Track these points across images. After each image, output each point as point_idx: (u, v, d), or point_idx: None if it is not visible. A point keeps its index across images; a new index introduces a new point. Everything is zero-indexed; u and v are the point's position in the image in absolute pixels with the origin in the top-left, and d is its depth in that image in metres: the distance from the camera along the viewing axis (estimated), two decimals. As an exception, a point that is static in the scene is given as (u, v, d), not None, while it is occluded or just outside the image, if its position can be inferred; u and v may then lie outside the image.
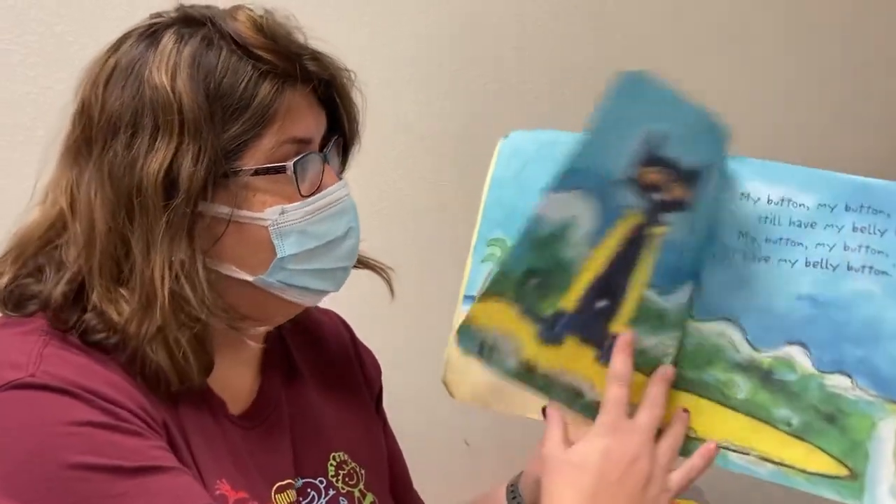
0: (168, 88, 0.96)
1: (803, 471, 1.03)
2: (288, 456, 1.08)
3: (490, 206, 1.13)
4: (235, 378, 1.08)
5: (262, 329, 1.08)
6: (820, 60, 2.11)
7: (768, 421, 1.04)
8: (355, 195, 1.07)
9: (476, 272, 1.12)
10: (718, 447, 1.04)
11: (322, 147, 1.05)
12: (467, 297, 1.12)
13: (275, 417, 1.09)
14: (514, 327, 1.02)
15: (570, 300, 1.03)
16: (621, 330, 1.03)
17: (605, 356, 1.04)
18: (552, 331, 1.03)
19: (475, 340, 1.02)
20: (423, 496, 1.30)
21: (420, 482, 1.29)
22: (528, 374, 1.04)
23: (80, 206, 0.99)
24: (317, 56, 1.03)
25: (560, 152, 1.01)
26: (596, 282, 1.03)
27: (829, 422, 1.02)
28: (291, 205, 1.01)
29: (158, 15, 1.03)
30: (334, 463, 1.11)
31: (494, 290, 1.02)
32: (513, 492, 1.16)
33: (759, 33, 2.07)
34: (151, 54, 0.99)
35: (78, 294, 0.98)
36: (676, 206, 1.02)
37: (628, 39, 1.97)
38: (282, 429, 1.09)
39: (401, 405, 1.25)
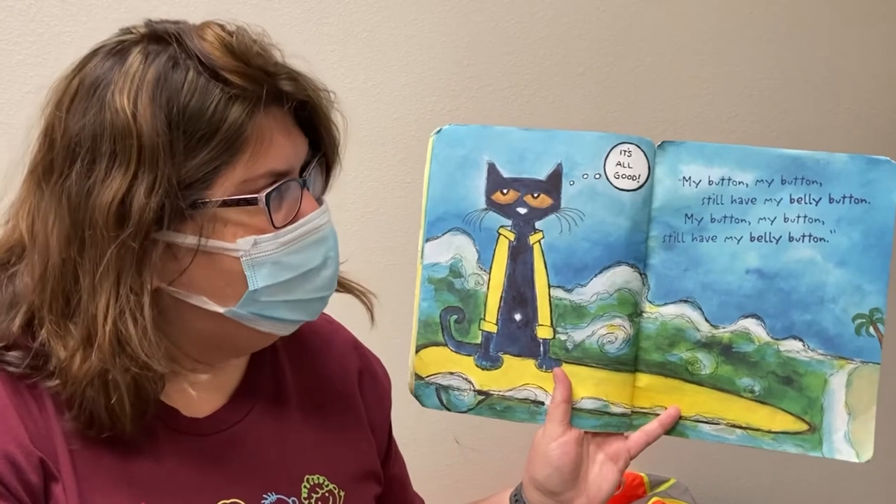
0: (129, 113, 0.91)
1: (769, 431, 1.11)
2: (241, 474, 1.03)
3: (431, 206, 1.13)
4: (201, 392, 1.04)
5: (203, 375, 1.04)
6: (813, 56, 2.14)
7: (733, 391, 1.11)
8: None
9: (426, 290, 1.15)
10: (679, 415, 1.12)
11: (303, 170, 1.00)
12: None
13: (230, 434, 1.04)
14: (455, 365, 1.14)
15: (490, 322, 1.13)
16: (547, 333, 1.12)
17: (543, 362, 1.13)
18: (488, 355, 1.14)
19: (431, 390, 1.15)
20: (413, 495, 1.32)
21: (411, 481, 1.30)
22: (487, 402, 1.14)
23: (38, 234, 0.95)
24: (294, 76, 0.97)
25: (495, 143, 1.12)
26: (505, 298, 1.13)
27: (787, 384, 1.10)
28: (264, 236, 0.95)
29: (128, 31, 0.97)
30: (308, 485, 1.07)
31: (423, 340, 1.14)
32: (517, 500, 1.14)
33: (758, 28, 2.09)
34: (116, 74, 0.93)
35: (29, 326, 0.96)
36: (541, 213, 1.12)
37: (626, 41, 2.01)
38: (239, 445, 1.04)
39: (392, 403, 1.24)
